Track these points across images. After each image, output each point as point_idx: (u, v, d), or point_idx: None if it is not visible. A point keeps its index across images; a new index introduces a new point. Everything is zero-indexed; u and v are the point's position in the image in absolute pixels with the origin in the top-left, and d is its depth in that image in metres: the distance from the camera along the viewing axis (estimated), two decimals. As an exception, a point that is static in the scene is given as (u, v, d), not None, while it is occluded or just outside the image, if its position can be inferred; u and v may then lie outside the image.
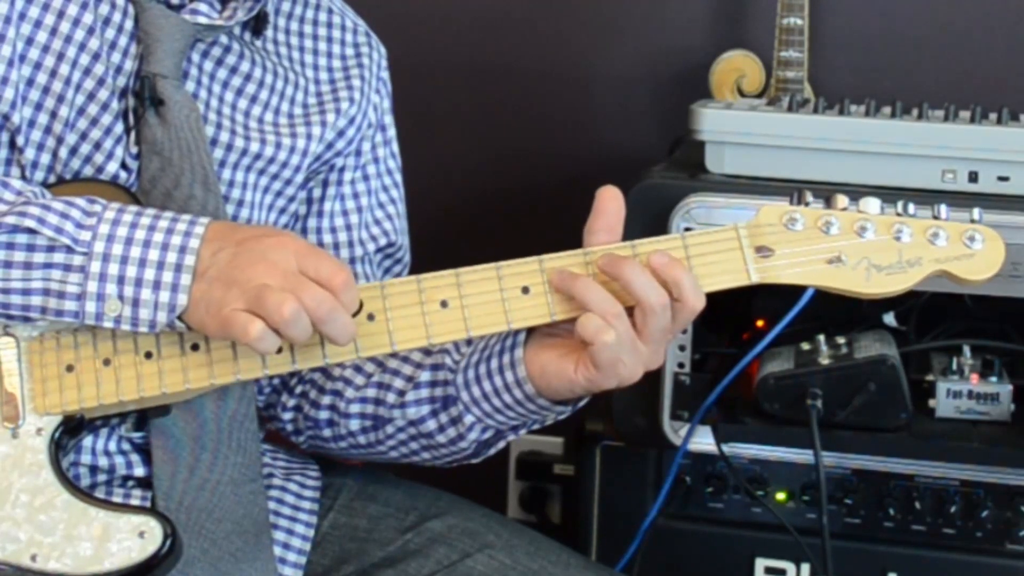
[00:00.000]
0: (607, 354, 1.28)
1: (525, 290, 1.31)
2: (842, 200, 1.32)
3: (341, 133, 1.56)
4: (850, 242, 1.31)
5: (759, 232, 1.32)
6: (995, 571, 1.89)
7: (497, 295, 1.31)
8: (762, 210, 1.33)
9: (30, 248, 1.27)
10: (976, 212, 1.33)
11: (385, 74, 1.62)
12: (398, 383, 1.47)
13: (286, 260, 1.25)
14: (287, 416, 1.56)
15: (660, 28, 2.42)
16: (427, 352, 1.47)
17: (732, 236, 1.32)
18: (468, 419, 1.42)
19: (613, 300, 1.28)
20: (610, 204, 1.33)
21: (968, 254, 1.31)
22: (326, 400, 1.52)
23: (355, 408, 1.49)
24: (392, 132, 1.64)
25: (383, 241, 1.61)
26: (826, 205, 1.32)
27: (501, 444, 1.46)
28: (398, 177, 1.64)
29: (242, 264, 1.26)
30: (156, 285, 1.27)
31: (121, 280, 1.27)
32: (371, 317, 1.31)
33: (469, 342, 1.42)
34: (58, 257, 1.27)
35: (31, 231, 1.27)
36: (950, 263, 1.31)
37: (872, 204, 1.32)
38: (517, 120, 2.49)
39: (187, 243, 1.27)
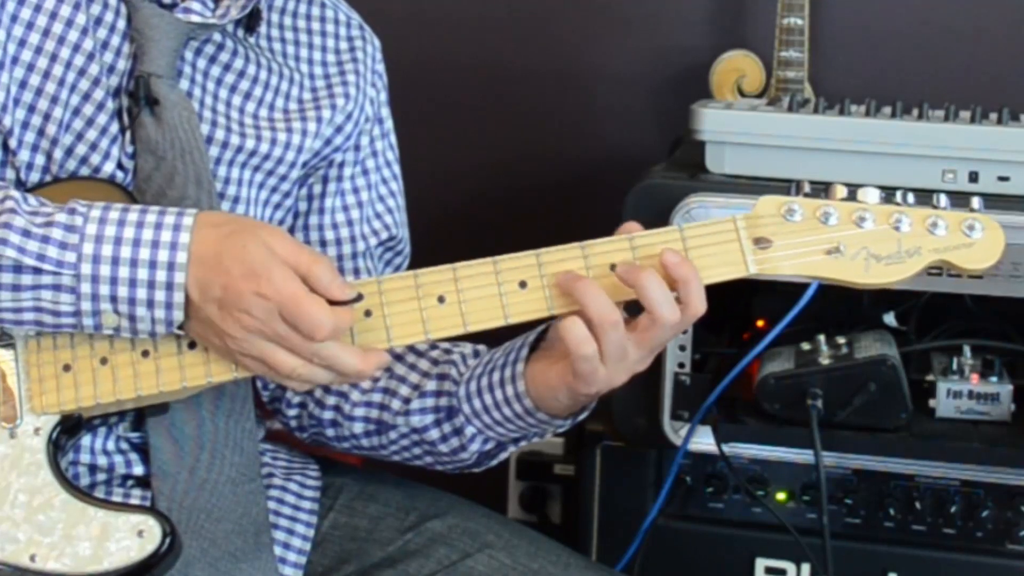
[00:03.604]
0: (584, 365, 1.29)
1: (522, 284, 1.31)
2: (841, 190, 1.32)
3: (339, 129, 1.55)
4: (849, 232, 1.31)
5: (757, 223, 1.32)
6: (995, 571, 1.88)
7: (494, 290, 1.31)
8: (760, 201, 1.32)
9: (16, 270, 1.26)
10: (976, 201, 1.32)
11: (380, 67, 1.62)
12: (404, 390, 1.47)
13: (270, 317, 1.25)
14: (292, 412, 1.56)
15: (660, 28, 2.42)
16: (435, 362, 1.48)
17: (730, 228, 1.31)
18: (469, 430, 1.42)
19: (612, 307, 1.28)
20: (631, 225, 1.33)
21: (967, 243, 1.30)
22: (331, 400, 1.52)
23: (359, 411, 1.50)
24: (389, 124, 1.64)
25: (384, 235, 1.60)
26: (824, 195, 1.32)
27: (503, 455, 1.47)
28: (397, 169, 1.64)
29: (228, 328, 1.26)
30: (150, 304, 1.26)
31: (114, 300, 1.26)
32: (368, 313, 1.31)
33: (477, 354, 1.44)
34: (46, 279, 1.26)
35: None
36: (949, 252, 1.30)
37: (871, 194, 1.32)
38: (517, 120, 2.49)
39: (174, 258, 1.26)
